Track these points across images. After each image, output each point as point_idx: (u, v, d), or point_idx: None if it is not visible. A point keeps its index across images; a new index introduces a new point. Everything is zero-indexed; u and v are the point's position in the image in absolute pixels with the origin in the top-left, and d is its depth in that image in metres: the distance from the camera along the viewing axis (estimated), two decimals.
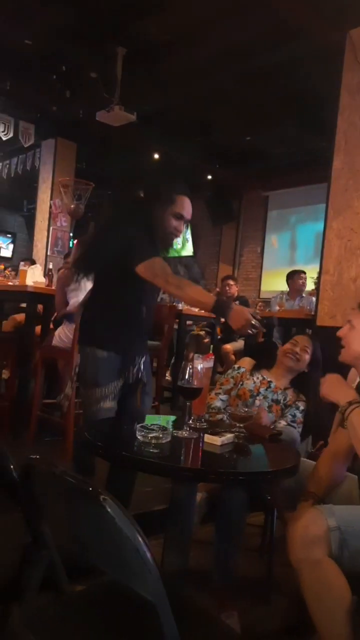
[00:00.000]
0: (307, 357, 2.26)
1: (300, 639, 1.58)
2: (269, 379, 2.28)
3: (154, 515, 2.19)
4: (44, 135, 7.38)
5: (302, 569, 1.35)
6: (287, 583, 1.67)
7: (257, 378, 2.28)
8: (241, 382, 2.28)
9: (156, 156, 8.07)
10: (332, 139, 3.80)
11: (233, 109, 6.09)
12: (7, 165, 8.16)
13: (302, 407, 2.21)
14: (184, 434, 1.58)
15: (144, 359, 2.12)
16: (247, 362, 2.42)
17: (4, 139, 6.78)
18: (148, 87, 5.72)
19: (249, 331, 1.79)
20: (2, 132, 6.71)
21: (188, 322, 5.57)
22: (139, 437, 1.46)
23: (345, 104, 3.71)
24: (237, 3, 4.09)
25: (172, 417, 1.64)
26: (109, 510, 0.83)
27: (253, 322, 1.77)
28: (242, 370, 2.34)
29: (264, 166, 8.17)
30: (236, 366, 2.42)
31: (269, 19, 4.18)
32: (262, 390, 2.24)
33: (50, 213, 7.62)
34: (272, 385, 2.26)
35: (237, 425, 1.72)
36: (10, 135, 6.78)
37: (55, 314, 3.60)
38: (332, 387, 1.57)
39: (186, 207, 2.02)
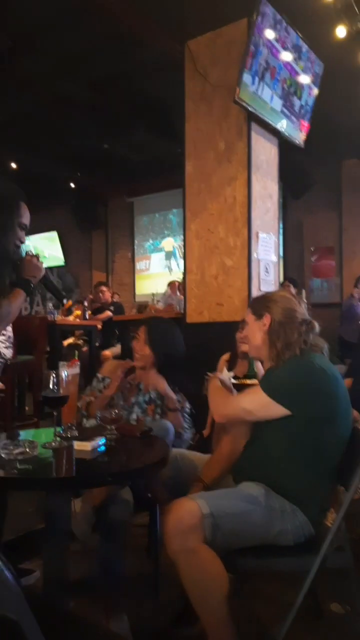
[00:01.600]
0: (146, 349, 2.21)
1: (187, 626, 1.64)
2: (136, 383, 2.24)
3: (35, 534, 2.11)
4: None
5: (179, 559, 1.40)
6: (174, 576, 1.72)
7: (125, 386, 2.21)
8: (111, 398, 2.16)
9: (13, 165, 7.77)
10: (183, 145, 3.98)
11: (85, 116, 6.07)
12: None
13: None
14: (53, 444, 1.54)
15: None
16: (109, 369, 2.29)
17: None
18: None
19: None
20: None
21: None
22: (2, 455, 1.41)
23: (190, 112, 3.91)
24: (77, 11, 4.09)
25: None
26: None
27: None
28: (107, 381, 2.23)
29: (125, 173, 8.26)
30: (100, 376, 2.28)
31: (110, 28, 4.24)
32: (133, 399, 2.20)
33: None
34: (141, 386, 2.24)
35: (108, 427, 1.72)
36: None
37: None
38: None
39: (27, 214, 1.91)
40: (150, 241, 9.66)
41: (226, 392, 1.79)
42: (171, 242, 9.36)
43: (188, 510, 1.42)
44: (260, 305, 1.75)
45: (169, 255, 9.39)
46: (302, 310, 1.71)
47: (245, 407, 1.63)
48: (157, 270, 9.52)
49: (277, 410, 1.54)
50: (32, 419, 4.02)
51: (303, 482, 1.55)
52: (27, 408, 4.68)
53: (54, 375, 1.57)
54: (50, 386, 1.56)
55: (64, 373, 1.63)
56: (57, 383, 1.58)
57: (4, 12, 4.16)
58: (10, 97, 5.52)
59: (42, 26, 4.31)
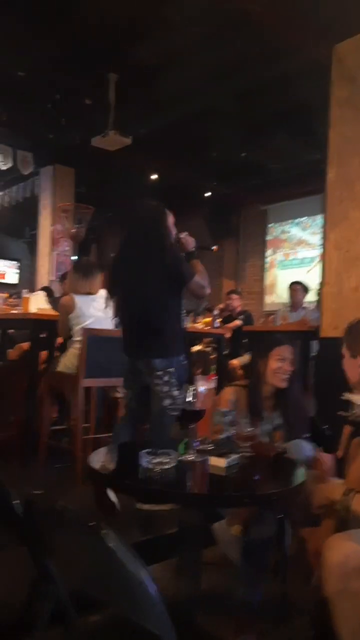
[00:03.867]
0: (293, 368, 2.07)
1: None
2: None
3: (165, 539, 2.17)
4: (42, 162, 7.49)
5: (338, 601, 1.31)
6: (302, 602, 1.65)
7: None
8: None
9: (154, 176, 8.17)
10: (325, 152, 3.84)
11: (227, 126, 6.17)
12: (8, 193, 8.29)
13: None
14: (189, 457, 1.57)
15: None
16: (227, 396, 2.09)
17: (3, 168, 6.90)
18: (142, 110, 5.82)
19: None
20: (1, 161, 6.82)
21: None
22: (143, 464, 1.46)
23: (335, 117, 3.76)
24: (223, 24, 4.17)
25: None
26: (110, 544, 0.83)
27: None
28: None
29: (261, 180, 8.23)
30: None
31: (256, 38, 4.26)
32: (261, 430, 2.02)
33: (52, 238, 7.70)
34: (264, 414, 2.08)
35: (242, 445, 1.71)
36: (10, 164, 6.90)
37: (60, 340, 3.62)
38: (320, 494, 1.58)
39: (170, 217, 2.58)
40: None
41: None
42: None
43: (353, 550, 1.33)
44: (354, 341, 1.62)
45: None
46: None
47: None
48: None
49: None
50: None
51: None
52: None
53: (193, 389, 1.60)
54: (189, 400, 1.59)
55: (201, 388, 1.65)
56: (195, 396, 1.61)
57: (153, 31, 4.40)
58: (157, 110, 5.80)
59: (188, 42, 4.47)
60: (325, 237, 3.87)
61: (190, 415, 1.59)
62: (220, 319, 6.30)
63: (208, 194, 9.02)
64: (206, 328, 6.22)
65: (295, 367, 2.09)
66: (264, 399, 2.07)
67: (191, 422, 1.62)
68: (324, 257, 3.90)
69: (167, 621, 0.85)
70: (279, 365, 2.04)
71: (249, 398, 2.05)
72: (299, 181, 7.62)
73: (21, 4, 4.10)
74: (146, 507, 2.21)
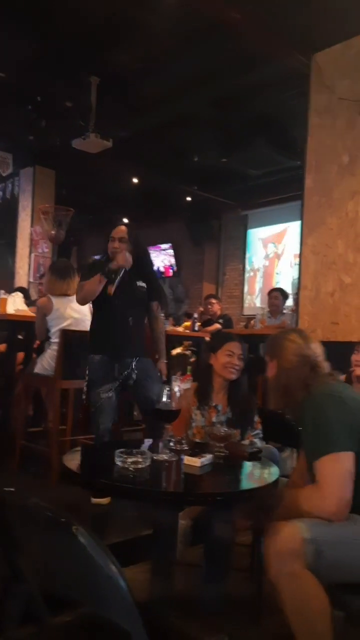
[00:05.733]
0: (242, 363, 2.19)
1: None
2: (213, 404, 2.16)
3: (141, 540, 2.17)
4: (22, 164, 7.44)
5: (280, 583, 1.35)
6: (277, 601, 1.66)
7: (204, 409, 2.14)
8: (192, 419, 2.13)
9: (135, 180, 8.18)
10: (303, 159, 3.90)
11: (207, 132, 6.22)
12: None
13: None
14: (163, 456, 1.58)
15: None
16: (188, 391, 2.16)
17: None
18: (122, 114, 5.82)
19: None
20: None
21: None
22: (117, 463, 1.47)
23: (314, 125, 3.83)
24: (204, 31, 4.21)
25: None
26: (81, 539, 0.83)
27: None
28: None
29: (242, 186, 8.30)
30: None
31: (236, 45, 4.30)
32: (214, 419, 2.12)
33: (31, 240, 7.64)
34: (219, 407, 2.16)
35: (217, 445, 1.73)
36: None
37: (37, 342, 3.60)
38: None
39: (116, 229, 2.75)
40: None
41: (299, 492, 1.54)
42: None
43: (289, 534, 1.37)
44: (270, 349, 1.76)
45: None
46: (310, 351, 1.67)
47: (341, 479, 1.42)
48: None
49: (350, 457, 1.44)
50: (140, 425, 4.16)
51: None
52: (135, 413, 4.86)
53: (168, 389, 1.61)
54: (164, 399, 1.60)
55: (176, 387, 1.66)
56: (170, 397, 1.62)
57: (134, 36, 4.42)
58: (135, 115, 5.83)
59: (169, 48, 4.50)
60: (302, 242, 3.93)
61: (166, 415, 1.60)
62: (200, 323, 6.32)
63: (189, 199, 9.06)
64: (186, 332, 6.24)
65: (244, 363, 2.20)
66: (216, 392, 2.19)
67: (167, 422, 1.63)
68: (301, 262, 3.96)
69: (136, 616, 0.86)
70: (227, 360, 2.16)
71: (198, 390, 2.17)
72: (279, 187, 7.72)
73: (1, 5, 4.08)
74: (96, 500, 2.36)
